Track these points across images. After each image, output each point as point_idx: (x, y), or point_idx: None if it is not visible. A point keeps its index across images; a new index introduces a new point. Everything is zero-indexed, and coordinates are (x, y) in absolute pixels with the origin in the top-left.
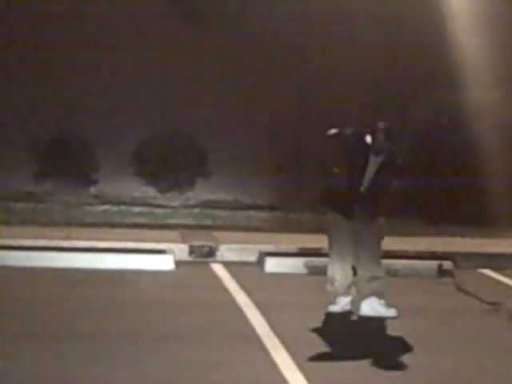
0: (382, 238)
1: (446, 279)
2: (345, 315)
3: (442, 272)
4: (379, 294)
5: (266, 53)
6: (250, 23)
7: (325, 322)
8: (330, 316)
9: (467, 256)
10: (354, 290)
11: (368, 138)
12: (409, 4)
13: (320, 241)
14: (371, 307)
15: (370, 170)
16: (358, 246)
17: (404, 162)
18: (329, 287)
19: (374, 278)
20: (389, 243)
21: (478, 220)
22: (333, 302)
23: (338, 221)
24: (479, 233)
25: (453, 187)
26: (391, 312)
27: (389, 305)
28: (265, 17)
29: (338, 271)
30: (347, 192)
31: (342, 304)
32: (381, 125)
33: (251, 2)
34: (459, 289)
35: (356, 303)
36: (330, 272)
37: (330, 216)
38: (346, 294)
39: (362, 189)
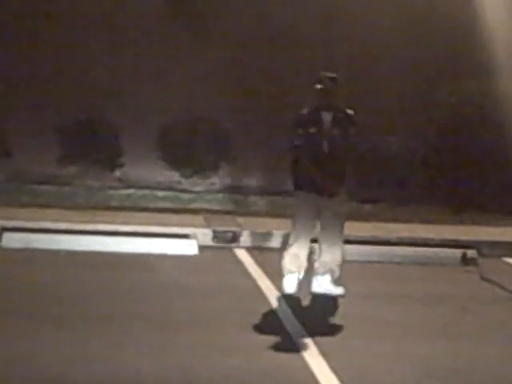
0: (343, 218)
1: (470, 268)
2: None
3: (466, 260)
4: (332, 273)
5: (292, 35)
6: None
7: (347, 307)
8: (350, 300)
9: (491, 244)
10: (304, 269)
11: (318, 86)
12: None
13: (351, 227)
14: (319, 284)
15: (326, 128)
16: (322, 225)
17: (354, 112)
18: (283, 263)
19: (331, 258)
20: (413, 231)
21: (503, 208)
22: (286, 282)
23: (304, 202)
24: (504, 221)
25: (478, 175)
26: (339, 290)
27: (337, 283)
28: None
29: (296, 250)
30: (313, 164)
31: (294, 282)
32: (324, 73)
33: None
34: (483, 277)
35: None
36: (289, 250)
37: (296, 197)
38: (297, 272)
39: (326, 150)
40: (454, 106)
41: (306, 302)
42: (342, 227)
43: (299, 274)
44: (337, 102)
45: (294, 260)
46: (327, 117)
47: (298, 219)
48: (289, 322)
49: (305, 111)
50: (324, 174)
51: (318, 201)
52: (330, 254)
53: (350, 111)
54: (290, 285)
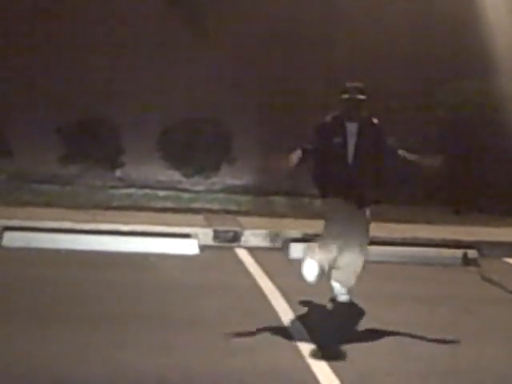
0: (368, 227)
1: (471, 268)
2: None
3: (466, 261)
4: (342, 283)
5: (293, 35)
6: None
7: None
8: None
9: (492, 245)
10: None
11: (344, 96)
12: None
13: None
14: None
15: (351, 138)
16: (347, 232)
17: (380, 121)
18: (313, 253)
19: (345, 266)
20: (414, 231)
21: (504, 209)
22: (308, 267)
23: (337, 205)
24: (504, 222)
25: (478, 176)
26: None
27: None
28: None
29: (323, 253)
30: (342, 174)
31: (315, 270)
32: (350, 84)
33: None
34: (484, 278)
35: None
36: (317, 249)
37: (328, 200)
38: (322, 265)
39: (350, 161)
40: (454, 105)
41: (307, 302)
42: (367, 238)
43: (324, 268)
44: (362, 112)
45: (324, 256)
46: (352, 127)
47: (329, 224)
48: (290, 321)
49: (328, 120)
50: (350, 186)
51: (347, 206)
52: (348, 262)
53: (375, 120)
54: (312, 272)
